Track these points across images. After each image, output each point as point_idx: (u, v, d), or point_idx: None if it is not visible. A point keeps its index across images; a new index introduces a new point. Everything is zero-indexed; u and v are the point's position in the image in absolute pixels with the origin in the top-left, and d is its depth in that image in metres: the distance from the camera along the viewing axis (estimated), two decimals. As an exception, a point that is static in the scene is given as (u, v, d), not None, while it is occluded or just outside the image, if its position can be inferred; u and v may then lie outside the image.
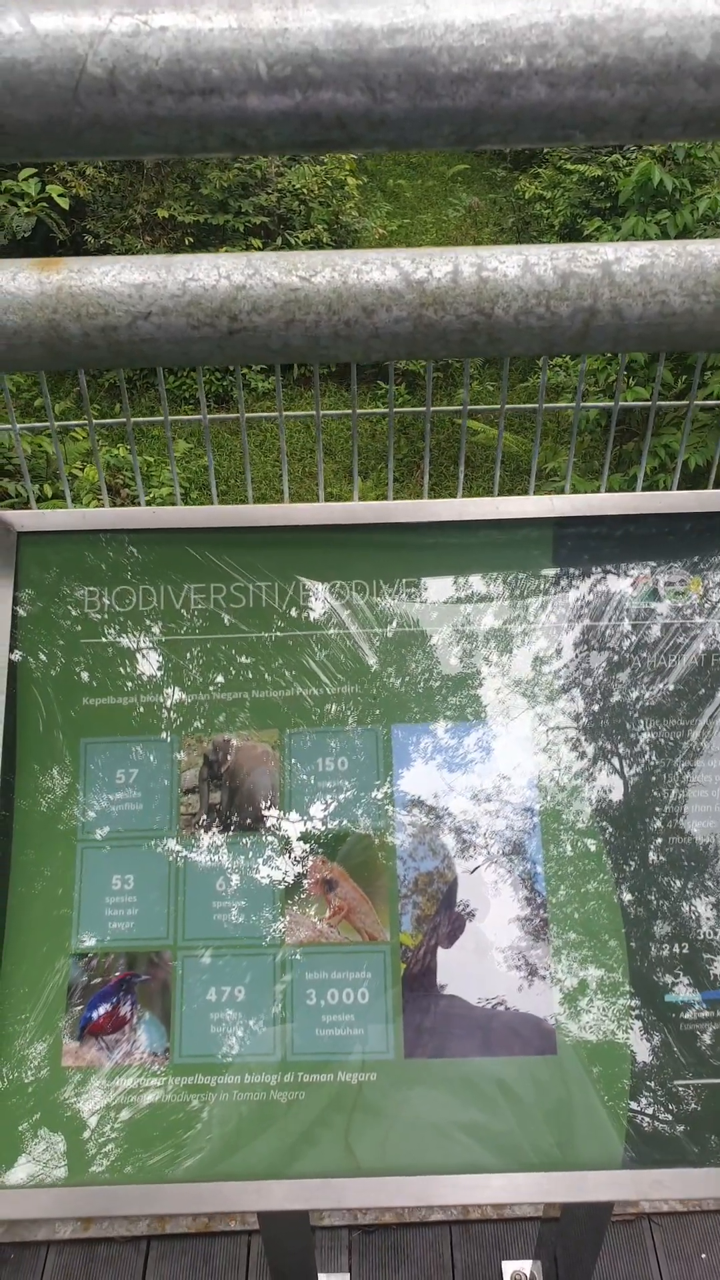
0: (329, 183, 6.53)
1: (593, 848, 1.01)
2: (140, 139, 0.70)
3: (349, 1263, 1.89)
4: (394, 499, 1.22)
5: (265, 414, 1.28)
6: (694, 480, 4.94)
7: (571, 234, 6.62)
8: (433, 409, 1.36)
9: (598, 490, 1.64)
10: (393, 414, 1.31)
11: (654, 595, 1.06)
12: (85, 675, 1.05)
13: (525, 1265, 1.86)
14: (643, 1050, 0.96)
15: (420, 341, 0.92)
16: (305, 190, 6.40)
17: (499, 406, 1.29)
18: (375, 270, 0.89)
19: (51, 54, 0.67)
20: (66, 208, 5.16)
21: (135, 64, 0.67)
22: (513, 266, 0.89)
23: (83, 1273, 1.89)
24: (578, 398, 1.32)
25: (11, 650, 1.04)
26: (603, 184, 6.67)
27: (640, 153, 6.47)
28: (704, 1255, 1.87)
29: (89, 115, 0.69)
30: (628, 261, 0.90)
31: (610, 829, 1.01)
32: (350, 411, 1.36)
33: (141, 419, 1.42)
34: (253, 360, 0.92)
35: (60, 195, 5.42)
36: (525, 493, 1.61)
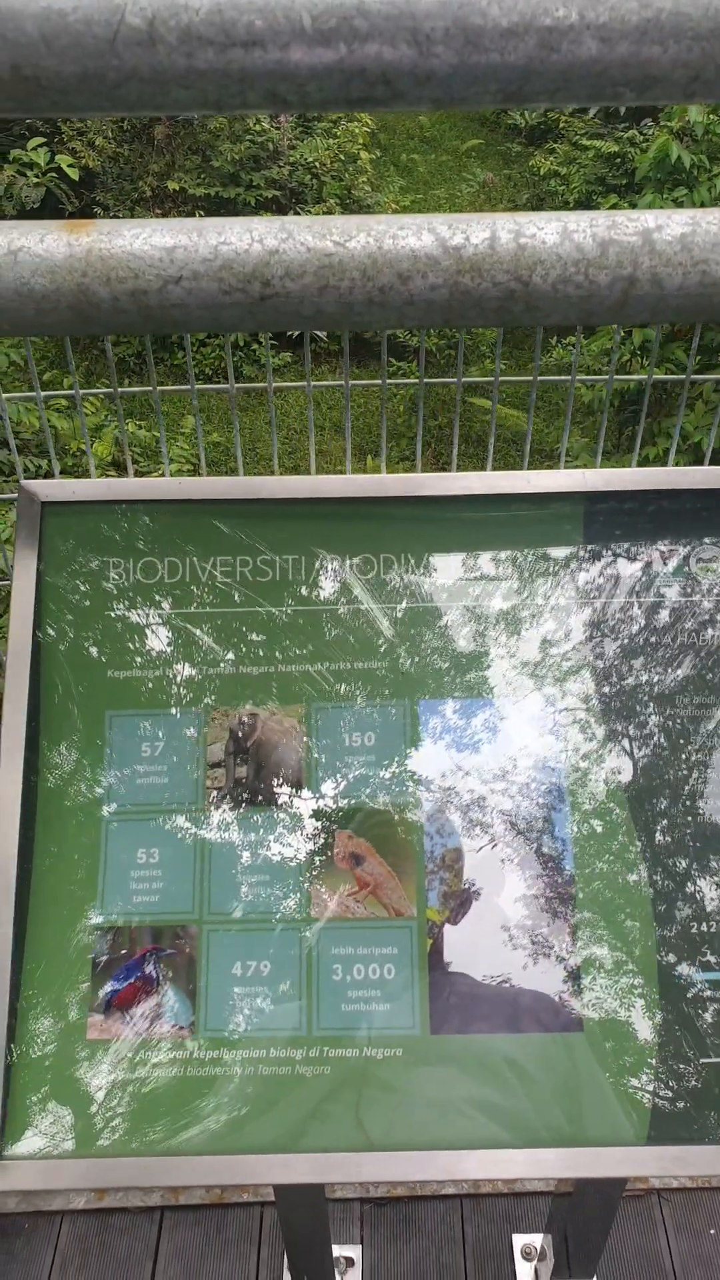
0: (341, 156, 6.47)
1: (621, 825, 1.00)
2: (179, 93, 0.68)
3: (361, 1234, 1.90)
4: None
5: (293, 384, 1.26)
6: (712, 460, 4.90)
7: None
8: (463, 381, 1.34)
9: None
10: (423, 385, 1.29)
11: (686, 571, 1.05)
12: (110, 648, 1.04)
13: (535, 1239, 1.87)
14: (668, 1027, 0.96)
15: (455, 309, 0.90)
16: (318, 164, 6.34)
17: (531, 379, 1.27)
18: (411, 235, 0.87)
19: (89, 3, 0.65)
20: (76, 178, 5.11)
21: (175, 14, 0.65)
22: (551, 233, 0.87)
23: (96, 1242, 1.90)
24: (611, 371, 1.30)
25: (36, 624, 1.03)
26: (619, 160, 6.60)
27: (658, 128, 6.39)
28: (713, 1231, 1.88)
29: (127, 68, 0.67)
30: (668, 229, 0.88)
31: (640, 806, 1.00)
32: (380, 381, 1.34)
33: (167, 388, 1.40)
34: (284, 327, 0.91)
35: (70, 166, 5.37)
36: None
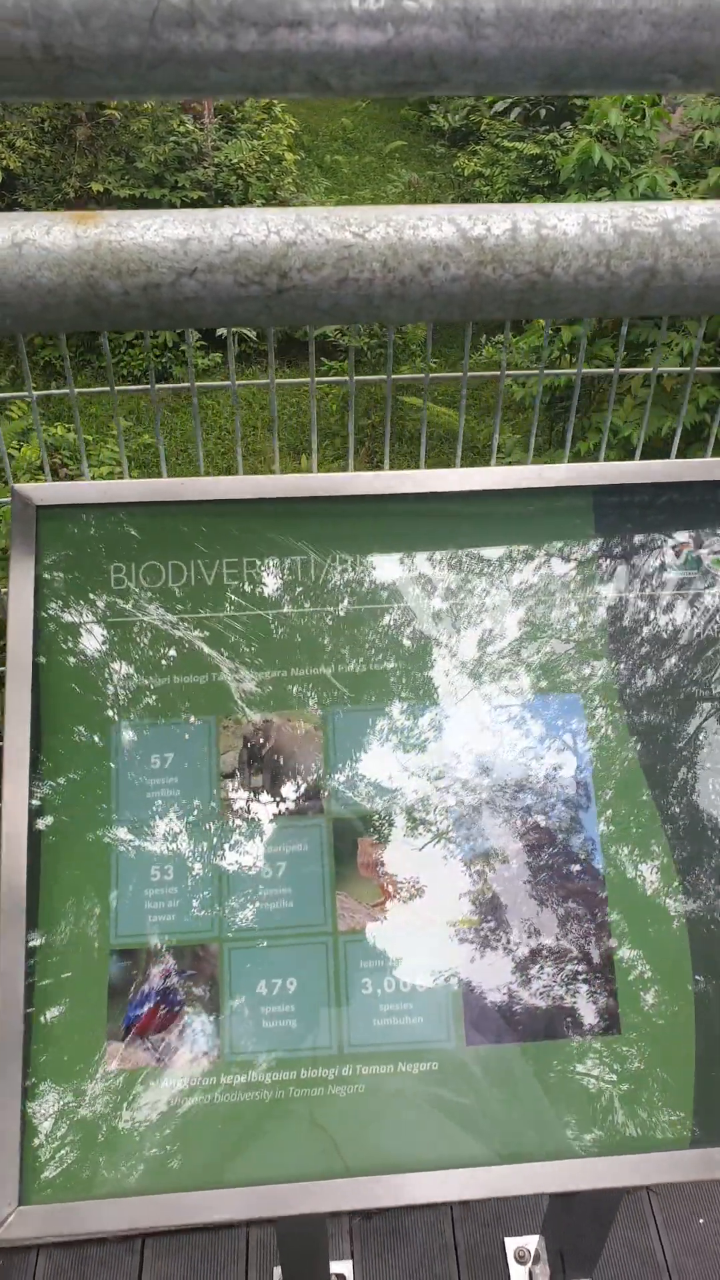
0: (266, 157, 6.43)
1: (649, 821, 0.99)
2: (218, 76, 0.65)
3: (351, 1249, 1.87)
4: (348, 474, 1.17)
5: (298, 380, 1.23)
6: (715, 451, 4.99)
7: (511, 212, 6.61)
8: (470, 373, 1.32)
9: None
10: (428, 378, 1.27)
11: (697, 563, 1.05)
12: (114, 657, 1.00)
13: (528, 1241, 1.86)
14: (707, 1027, 0.95)
15: (475, 302, 0.88)
16: (243, 165, 6.30)
17: (537, 372, 1.26)
18: (431, 226, 0.85)
19: (128, -21, 0.61)
20: (-1, 179, 4.99)
21: (218, -8, 0.62)
22: (573, 224, 0.86)
23: (75, 1276, 1.83)
24: (624, 357, 1.29)
25: (36, 634, 0.98)
26: (540, 162, 6.68)
27: (578, 131, 6.49)
28: (701, 1220, 1.90)
29: (164, 49, 0.64)
30: (688, 220, 0.88)
31: (666, 800, 1.00)
32: (386, 377, 1.33)
33: (128, 388, 1.36)
34: (300, 321, 0.88)
35: (-9, 166, 5.25)
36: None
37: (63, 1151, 0.89)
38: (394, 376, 1.45)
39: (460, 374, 1.40)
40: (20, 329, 0.85)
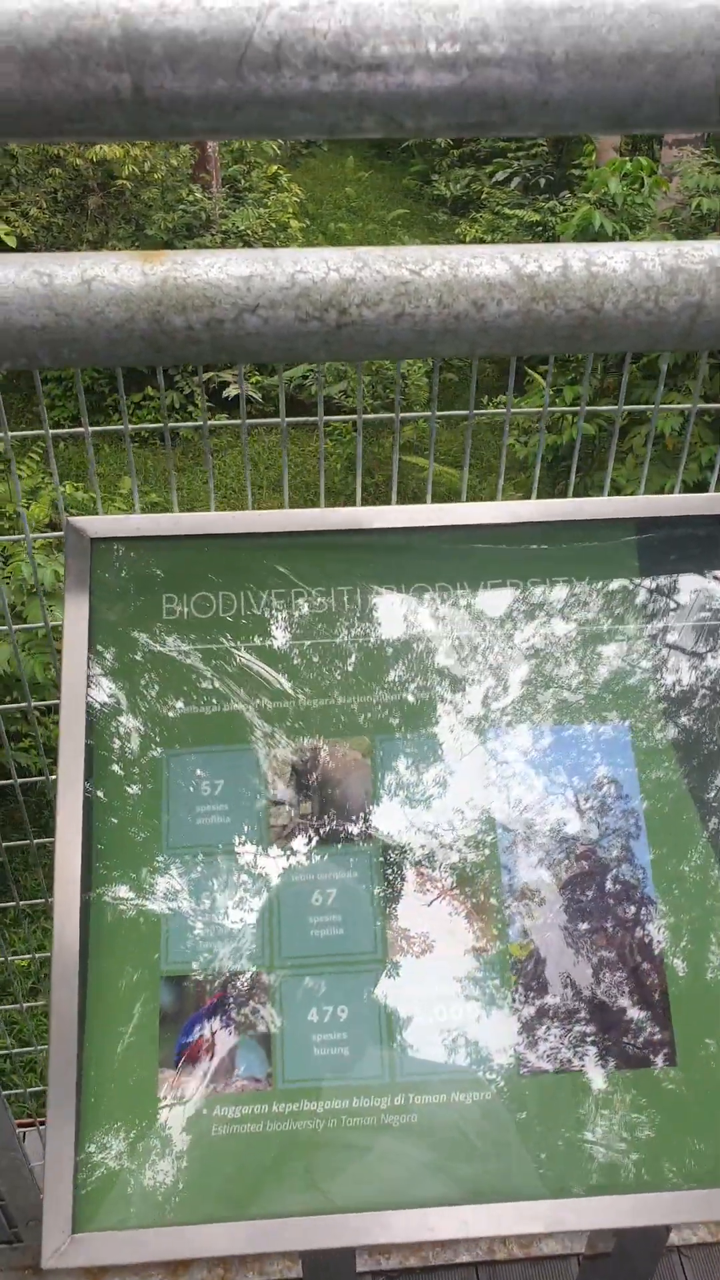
0: (273, 225, 6.60)
1: (702, 849, 0.99)
2: (298, 117, 0.68)
3: (376, 1310, 1.82)
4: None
5: (308, 419, 1.25)
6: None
7: (512, 276, 6.77)
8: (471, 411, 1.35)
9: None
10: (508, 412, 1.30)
11: (741, 596, 1.06)
12: (165, 685, 1.01)
13: (558, 1301, 1.81)
14: None
15: (527, 337, 0.91)
16: (249, 232, 6.45)
17: (539, 408, 1.28)
18: (485, 264, 0.88)
19: (218, 25, 0.65)
20: (14, 245, 5.11)
21: (303, 38, 0.65)
22: (621, 262, 0.89)
23: (96, 1336, 1.78)
24: (626, 415, 1.32)
25: (89, 661, 1.00)
26: (540, 229, 6.86)
27: (576, 199, 6.68)
28: (735, 1280, 1.84)
29: (249, 91, 0.67)
30: (731, 258, 0.91)
31: (717, 829, 1.00)
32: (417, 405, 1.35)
33: (138, 425, 1.39)
34: (358, 357, 0.91)
35: (6, 234, 5.37)
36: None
37: (115, 1180, 0.88)
38: (402, 415, 1.48)
39: (466, 411, 1.43)
40: (85, 363, 0.88)
